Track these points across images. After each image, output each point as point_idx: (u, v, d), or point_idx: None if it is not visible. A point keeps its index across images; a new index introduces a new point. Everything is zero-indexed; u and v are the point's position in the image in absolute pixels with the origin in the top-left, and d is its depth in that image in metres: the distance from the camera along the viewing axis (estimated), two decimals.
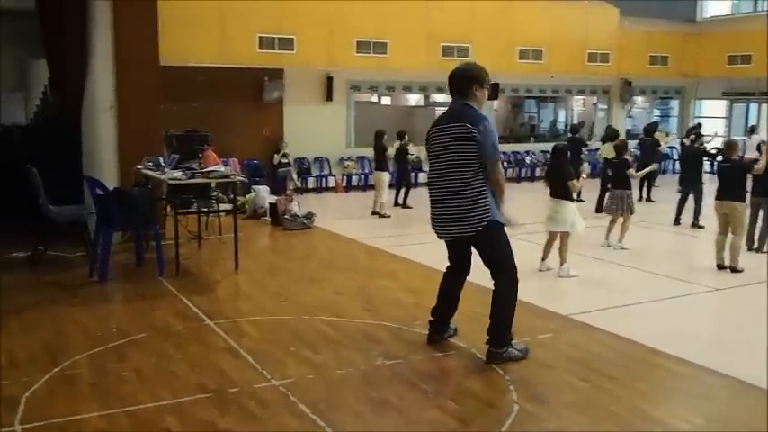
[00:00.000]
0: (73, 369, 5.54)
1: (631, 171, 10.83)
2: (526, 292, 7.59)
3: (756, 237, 10.35)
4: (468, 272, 6.05)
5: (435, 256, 9.77)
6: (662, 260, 10.10)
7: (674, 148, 21.74)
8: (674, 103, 24.20)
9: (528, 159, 20.30)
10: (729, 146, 9.84)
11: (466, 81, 5.68)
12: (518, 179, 19.81)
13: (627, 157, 11.14)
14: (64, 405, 4.88)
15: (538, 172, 20.07)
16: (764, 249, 10.32)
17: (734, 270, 9.13)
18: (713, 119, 22.48)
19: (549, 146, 20.24)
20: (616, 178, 10.93)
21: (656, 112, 24.34)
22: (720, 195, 9.36)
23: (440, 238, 5.88)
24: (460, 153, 5.51)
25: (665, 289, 8.38)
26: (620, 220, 10.58)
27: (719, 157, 10.89)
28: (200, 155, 9.49)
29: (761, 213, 10.29)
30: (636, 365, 5.80)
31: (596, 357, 5.83)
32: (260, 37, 15.86)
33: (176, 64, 13.13)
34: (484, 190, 5.52)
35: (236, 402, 4.94)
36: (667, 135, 18.58)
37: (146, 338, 6.28)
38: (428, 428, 4.66)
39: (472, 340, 6.16)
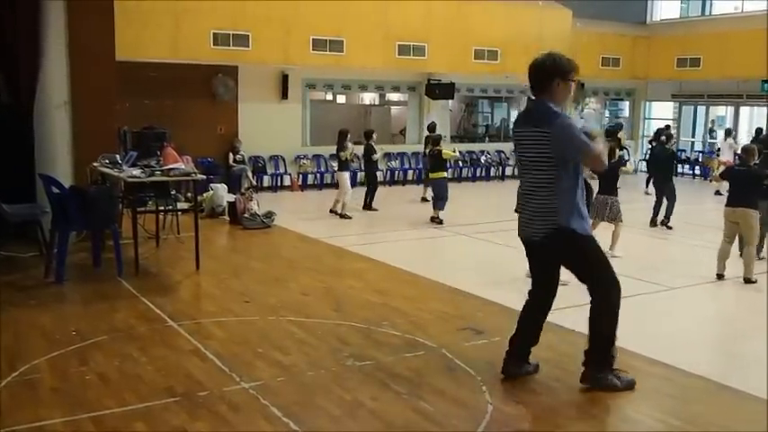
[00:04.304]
0: (33, 374, 5.35)
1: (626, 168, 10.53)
2: (496, 293, 7.72)
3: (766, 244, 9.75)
4: (552, 294, 5.44)
5: (399, 255, 9.87)
6: (628, 260, 10.11)
7: (626, 148, 22.09)
8: (625, 105, 24.62)
9: (483, 159, 20.46)
10: (747, 151, 9.08)
11: (544, 74, 5.01)
12: (473, 179, 20.03)
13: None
14: (26, 411, 4.70)
15: (492, 171, 20.34)
16: (762, 255, 9.63)
17: (748, 281, 8.61)
18: (663, 120, 22.93)
19: (502, 146, 20.75)
20: (602, 183, 10.10)
21: (607, 113, 24.71)
22: (732, 202, 8.78)
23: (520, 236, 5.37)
24: (535, 156, 5.00)
25: (630, 288, 8.40)
26: (604, 224, 9.96)
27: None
28: (158, 152, 9.27)
29: None
30: None
31: (568, 358, 5.80)
32: (214, 33, 15.55)
33: (128, 59, 12.77)
34: (552, 195, 4.96)
35: (206, 406, 4.82)
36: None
37: (108, 341, 6.09)
38: (404, 430, 4.60)
39: (441, 340, 6.16)
